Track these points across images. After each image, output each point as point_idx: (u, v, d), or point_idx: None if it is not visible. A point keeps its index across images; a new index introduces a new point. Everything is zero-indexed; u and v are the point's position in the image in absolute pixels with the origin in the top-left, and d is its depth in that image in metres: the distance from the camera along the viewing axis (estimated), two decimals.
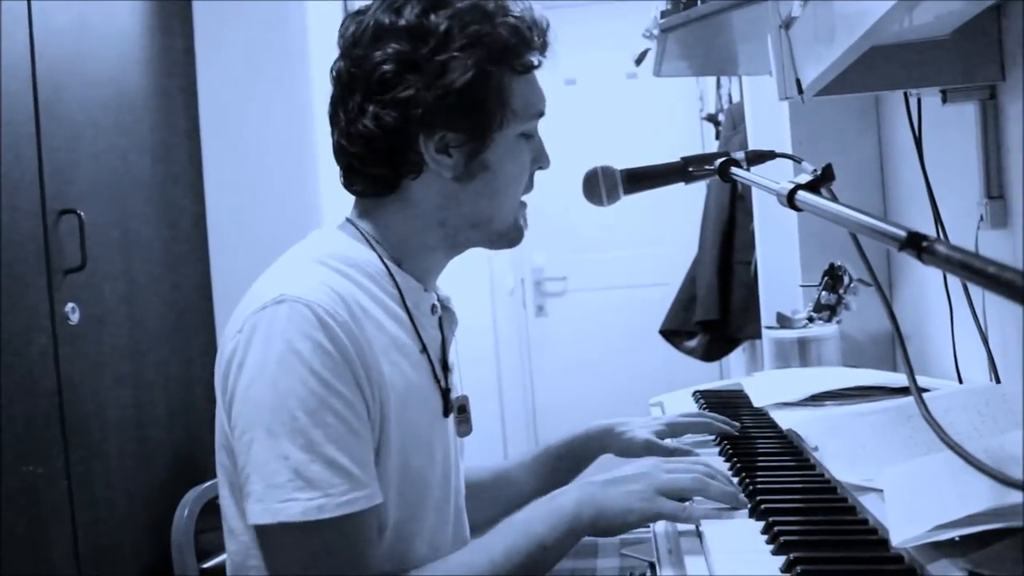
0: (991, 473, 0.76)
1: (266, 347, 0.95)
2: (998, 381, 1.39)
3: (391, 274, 1.07)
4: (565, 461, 1.33)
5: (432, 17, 1.03)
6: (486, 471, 1.35)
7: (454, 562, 1.00)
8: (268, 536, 0.96)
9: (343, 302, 0.98)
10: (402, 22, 1.03)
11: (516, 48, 1.06)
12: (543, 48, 1.11)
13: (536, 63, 1.10)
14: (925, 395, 0.92)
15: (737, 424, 1.34)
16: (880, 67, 1.31)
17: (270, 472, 0.93)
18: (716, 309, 3.02)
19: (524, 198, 1.15)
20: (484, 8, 1.05)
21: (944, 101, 1.42)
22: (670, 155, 1.30)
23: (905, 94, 1.58)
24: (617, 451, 1.31)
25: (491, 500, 1.30)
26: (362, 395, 0.97)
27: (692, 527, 1.02)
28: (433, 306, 1.12)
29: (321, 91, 2.81)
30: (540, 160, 1.14)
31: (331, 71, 1.09)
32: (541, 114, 1.12)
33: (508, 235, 1.14)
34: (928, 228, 1.34)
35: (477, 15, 1.04)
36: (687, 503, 0.99)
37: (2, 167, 1.93)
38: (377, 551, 0.99)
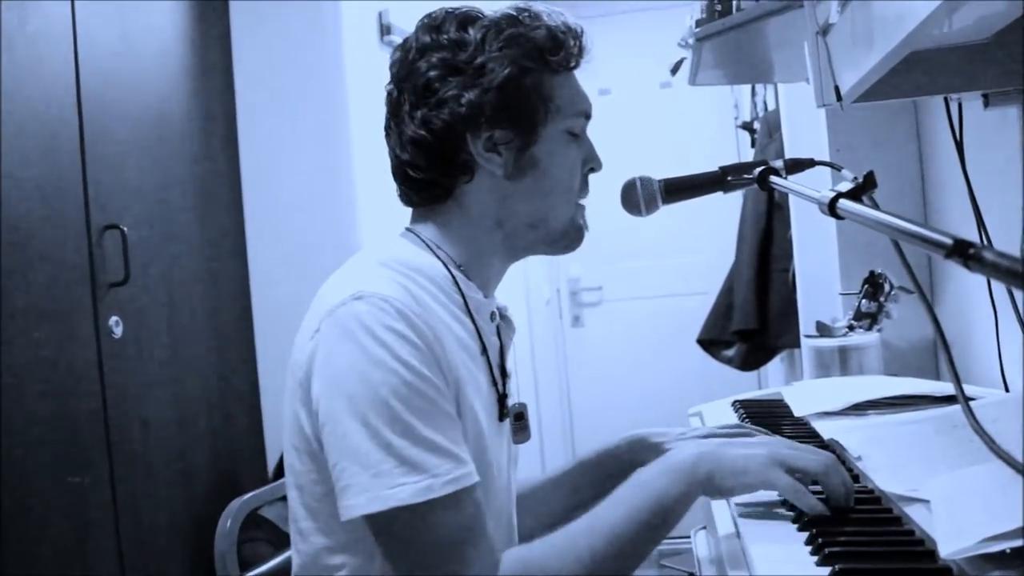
0: None
1: (352, 341, 0.97)
2: None
3: (455, 280, 1.10)
4: (596, 474, 1.30)
5: (470, 30, 1.10)
6: (533, 481, 1.35)
7: (576, 528, 0.99)
8: (381, 524, 0.97)
9: (413, 299, 1.02)
10: (443, 37, 1.10)
11: (551, 48, 1.11)
12: (580, 51, 1.14)
13: (573, 64, 1.14)
14: (971, 404, 0.90)
15: (827, 439, 1.31)
16: (920, 72, 1.29)
17: (373, 461, 0.94)
18: (754, 318, 2.99)
19: (582, 201, 1.18)
20: (516, 17, 1.12)
21: (986, 105, 1.40)
22: (705, 164, 1.30)
23: (946, 99, 1.56)
24: None
25: (541, 508, 1.30)
26: (445, 381, 1.00)
27: (734, 533, 1.01)
28: (492, 313, 1.16)
29: (358, 105, 2.86)
30: (591, 161, 1.17)
31: (385, 99, 1.15)
32: (587, 115, 1.16)
33: (568, 235, 1.16)
34: (971, 235, 1.32)
35: (511, 22, 1.11)
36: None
37: (48, 184, 1.97)
38: (490, 522, 0.99)
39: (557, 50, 1.11)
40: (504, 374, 1.16)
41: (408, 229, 1.16)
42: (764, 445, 1.01)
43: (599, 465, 1.31)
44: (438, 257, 1.11)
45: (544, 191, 1.12)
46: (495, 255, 1.15)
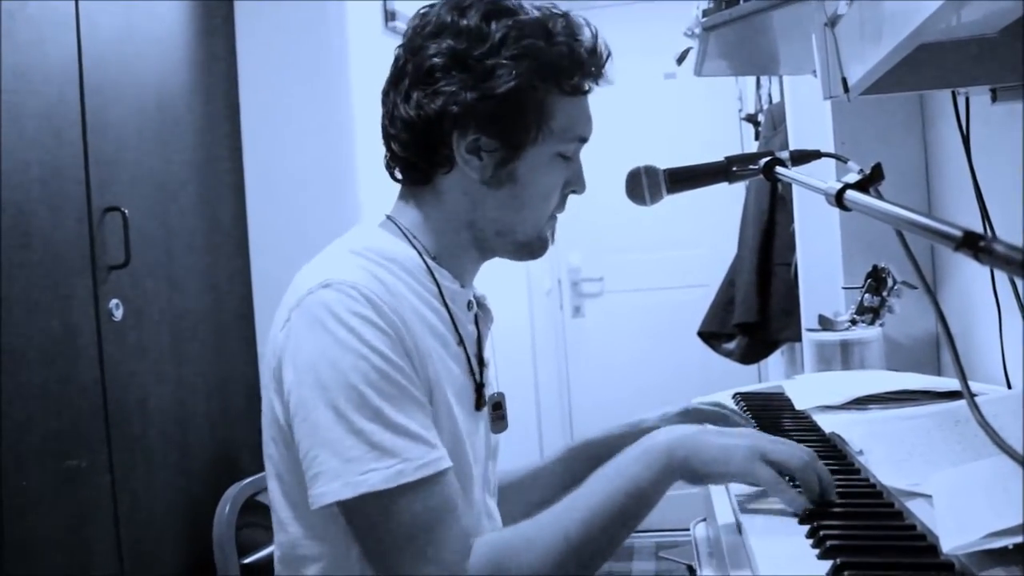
0: None
1: (320, 329, 0.97)
2: None
3: (429, 269, 1.09)
4: (595, 457, 1.25)
5: (493, 24, 1.06)
6: (521, 471, 1.35)
7: (551, 514, 0.99)
8: (354, 510, 0.96)
9: (384, 286, 1.01)
10: (463, 22, 1.06)
11: (568, 69, 1.07)
12: (597, 76, 1.10)
13: (587, 89, 1.10)
14: (975, 399, 0.90)
15: (752, 423, 1.30)
16: (928, 65, 1.29)
17: (344, 448, 0.94)
18: (755, 311, 2.99)
19: (557, 214, 1.16)
20: (545, 25, 1.07)
21: (994, 100, 1.39)
22: (707, 156, 1.29)
23: (953, 93, 1.55)
24: None
25: (527, 497, 1.29)
26: (414, 368, 1.00)
27: (734, 525, 1.01)
28: (469, 302, 1.15)
29: (360, 91, 2.84)
30: (575, 184, 1.14)
31: (392, 60, 1.12)
32: (583, 139, 1.13)
33: (530, 246, 1.14)
34: (975, 228, 1.31)
35: (536, 30, 1.06)
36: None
37: (50, 166, 1.96)
38: (465, 507, 0.99)
39: (573, 73, 1.07)
40: (481, 363, 1.15)
41: (388, 217, 1.15)
42: (745, 436, 1.00)
43: (605, 451, 1.28)
44: (413, 246, 1.10)
45: (516, 205, 1.10)
46: (465, 251, 1.14)
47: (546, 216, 1.14)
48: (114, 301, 2.10)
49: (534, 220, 1.12)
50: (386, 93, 1.12)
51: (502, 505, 1.23)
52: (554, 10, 1.09)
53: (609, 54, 1.11)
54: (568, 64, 1.07)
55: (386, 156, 1.14)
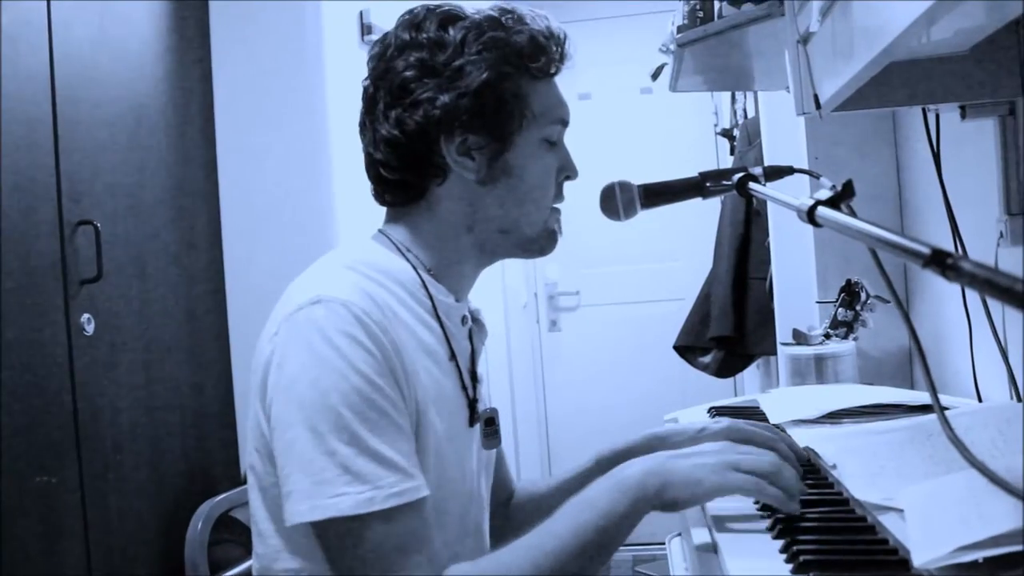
0: (1016, 493, 0.75)
1: (306, 346, 0.96)
2: (1019, 400, 1.38)
3: (424, 283, 1.09)
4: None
5: (450, 30, 1.08)
6: (543, 484, 1.34)
7: (522, 544, 0.98)
8: (321, 532, 0.96)
9: (375, 304, 1.00)
10: (423, 35, 1.08)
11: (532, 54, 1.09)
12: (561, 57, 1.13)
13: (553, 70, 1.12)
14: (946, 413, 0.91)
15: (802, 448, 1.29)
16: (899, 83, 1.30)
17: (317, 469, 0.93)
18: (730, 325, 3.01)
19: (558, 206, 1.16)
20: (499, 19, 1.10)
21: (963, 117, 1.41)
22: (684, 170, 1.30)
23: (923, 110, 1.57)
24: None
25: (541, 516, 1.28)
26: (400, 392, 0.99)
27: (708, 540, 1.01)
28: (464, 317, 1.14)
29: (337, 104, 2.83)
30: (567, 169, 1.16)
31: (362, 95, 1.13)
32: (564, 122, 1.14)
33: (539, 241, 1.15)
34: (946, 245, 1.32)
35: (492, 24, 1.09)
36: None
37: (21, 178, 1.94)
38: (435, 538, 0.98)
39: (538, 56, 1.09)
40: (475, 379, 1.15)
41: (380, 231, 1.15)
42: (712, 454, 0.99)
43: (615, 462, 1.28)
44: (408, 260, 1.09)
45: (517, 198, 1.11)
46: (466, 259, 1.14)
47: (547, 206, 1.14)
48: (86, 316, 2.07)
49: (536, 211, 1.13)
50: (362, 124, 1.12)
51: (525, 519, 1.20)
52: (501, 6, 1.12)
53: (565, 35, 1.13)
54: (531, 48, 1.09)
55: (373, 187, 1.14)
